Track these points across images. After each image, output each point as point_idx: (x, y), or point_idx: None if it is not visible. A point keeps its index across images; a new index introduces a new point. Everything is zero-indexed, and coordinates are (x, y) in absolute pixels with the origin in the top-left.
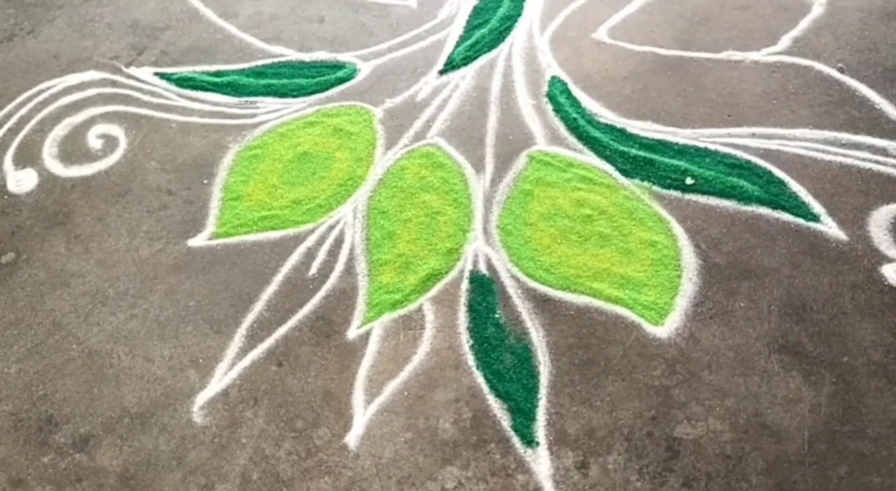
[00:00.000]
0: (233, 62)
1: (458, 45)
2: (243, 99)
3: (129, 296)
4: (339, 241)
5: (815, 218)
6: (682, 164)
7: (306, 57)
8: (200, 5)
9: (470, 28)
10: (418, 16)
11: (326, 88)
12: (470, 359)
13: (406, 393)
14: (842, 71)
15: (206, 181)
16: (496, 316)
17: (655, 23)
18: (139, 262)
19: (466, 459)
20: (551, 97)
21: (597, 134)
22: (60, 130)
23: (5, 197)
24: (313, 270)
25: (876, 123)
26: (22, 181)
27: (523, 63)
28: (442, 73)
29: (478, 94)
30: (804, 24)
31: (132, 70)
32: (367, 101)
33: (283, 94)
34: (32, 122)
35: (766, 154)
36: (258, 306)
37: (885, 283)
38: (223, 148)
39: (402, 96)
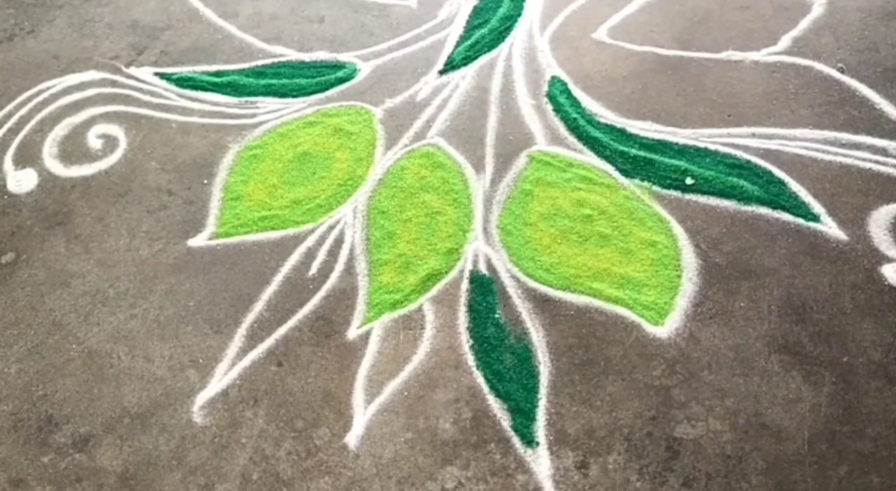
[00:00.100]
0: (233, 62)
1: (458, 45)
2: (243, 99)
3: (129, 296)
4: (339, 242)
5: (815, 218)
6: (682, 164)
7: (306, 57)
8: (200, 5)
9: (470, 28)
10: (418, 16)
11: (326, 88)
12: (470, 359)
13: (406, 393)
14: (842, 71)
15: (206, 181)
16: (496, 316)
17: (655, 23)
18: (139, 262)
19: (466, 459)
20: (551, 97)
21: (597, 134)
22: (60, 130)
23: (5, 197)
24: (313, 270)
25: (876, 123)
26: (22, 181)
27: (523, 63)
28: (442, 73)
29: (478, 94)
30: (804, 24)
31: (132, 70)
32: (367, 101)
33: (283, 94)
34: (32, 122)
35: (766, 154)
36: (258, 306)
37: (885, 283)
38: (223, 148)
39: (402, 96)
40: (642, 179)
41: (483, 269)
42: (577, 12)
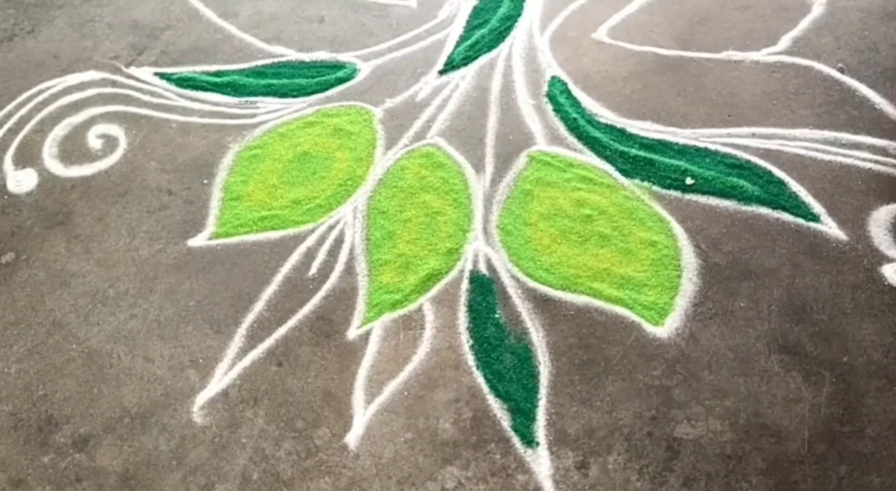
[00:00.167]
0: (233, 62)
1: (458, 45)
2: (243, 99)
3: (129, 296)
4: (339, 241)
5: (815, 218)
6: (682, 164)
7: (306, 57)
8: (200, 5)
9: (470, 28)
10: (418, 16)
11: (326, 88)
12: (470, 359)
13: (406, 393)
14: (842, 71)
15: (206, 181)
16: (496, 316)
17: (655, 23)
18: (139, 262)
19: (466, 459)
20: (551, 97)
21: (597, 134)
22: (60, 130)
23: (5, 197)
24: (313, 270)
25: (876, 123)
26: (22, 181)
27: (523, 63)
28: (442, 73)
29: (478, 94)
30: (804, 24)
31: (132, 70)
32: (367, 101)
33: (283, 94)
34: (32, 122)
35: (766, 154)
36: (258, 306)
37: (885, 283)
38: (223, 148)
39: (402, 96)
40: (642, 179)
41: (483, 269)
42: (577, 12)
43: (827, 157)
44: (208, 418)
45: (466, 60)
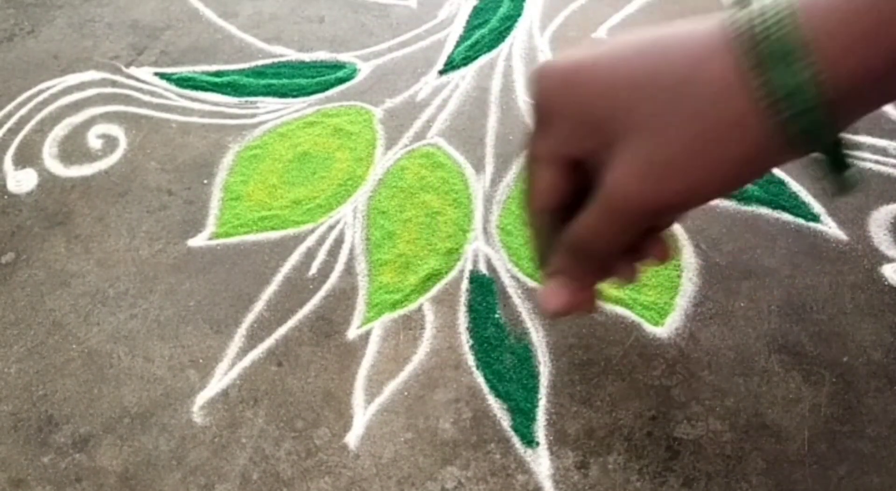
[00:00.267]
0: (233, 62)
1: (458, 45)
2: (243, 99)
3: (129, 296)
4: (339, 241)
5: (815, 218)
6: None
7: (306, 57)
8: (200, 5)
9: (470, 28)
10: (418, 16)
11: (326, 88)
12: (470, 359)
13: (406, 393)
14: None
15: (206, 181)
16: (496, 316)
17: (655, 23)
18: (139, 262)
19: (466, 459)
20: None
21: None
22: (60, 130)
23: (5, 197)
24: (313, 269)
25: (876, 123)
26: (22, 181)
27: (523, 63)
28: (442, 73)
29: (478, 94)
30: None
31: (132, 70)
32: (367, 101)
33: (283, 94)
34: (32, 122)
35: None
36: (258, 306)
37: (885, 283)
38: (223, 148)
39: (402, 96)
40: None
41: (483, 269)
42: (577, 12)
43: None
44: (208, 418)
45: (466, 60)
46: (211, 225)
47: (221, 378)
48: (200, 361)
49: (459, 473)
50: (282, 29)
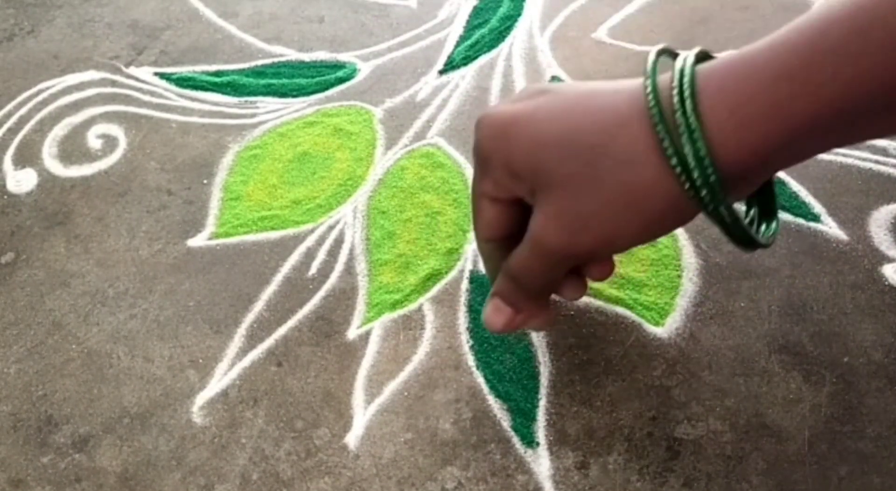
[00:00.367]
0: (233, 62)
1: (458, 44)
2: (243, 99)
3: (129, 296)
4: (339, 242)
5: (815, 218)
6: None
7: (306, 57)
8: (200, 5)
9: (470, 28)
10: (418, 16)
11: (326, 88)
12: (470, 359)
13: (406, 393)
14: None
15: (206, 181)
16: None
17: (655, 23)
18: (139, 262)
19: (466, 460)
20: None
21: None
22: (60, 130)
23: (5, 197)
24: (313, 270)
25: None
26: (21, 181)
27: (523, 63)
28: (442, 72)
29: (478, 94)
30: None
31: (132, 70)
32: (367, 101)
33: (283, 94)
34: (32, 122)
35: None
36: (258, 306)
37: (886, 283)
38: (223, 148)
39: (402, 96)
40: None
41: (483, 269)
42: (577, 12)
43: (827, 157)
44: (208, 418)
45: (466, 60)
46: (211, 225)
47: (221, 378)
48: (200, 361)
49: (459, 474)
50: (282, 29)
